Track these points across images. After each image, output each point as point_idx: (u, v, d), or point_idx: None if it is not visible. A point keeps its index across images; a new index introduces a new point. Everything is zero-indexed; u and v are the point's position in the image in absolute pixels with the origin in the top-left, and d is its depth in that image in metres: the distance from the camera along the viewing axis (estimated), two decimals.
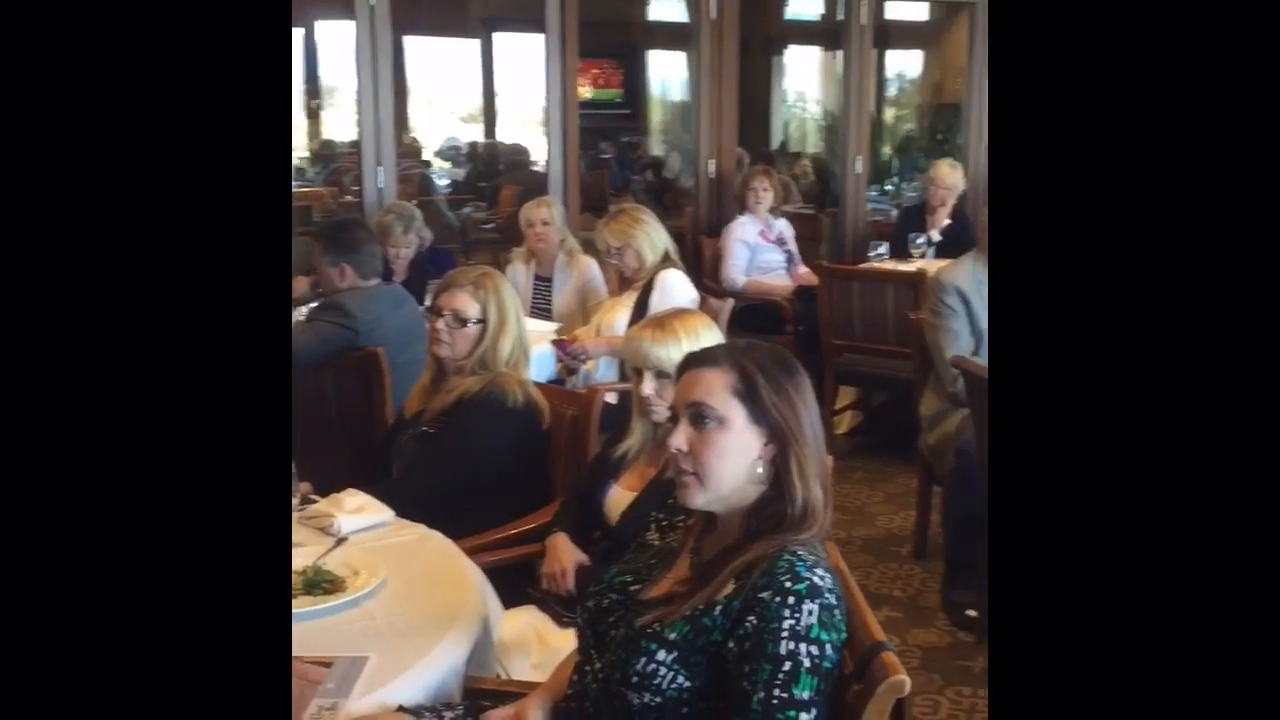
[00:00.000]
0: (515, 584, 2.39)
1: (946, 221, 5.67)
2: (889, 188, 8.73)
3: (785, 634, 1.39)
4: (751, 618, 1.42)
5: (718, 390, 1.53)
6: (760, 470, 1.53)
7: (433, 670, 1.72)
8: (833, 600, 1.44)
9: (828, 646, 1.41)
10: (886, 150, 10.44)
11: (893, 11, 6.44)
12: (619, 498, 2.38)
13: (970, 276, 3.63)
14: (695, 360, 1.59)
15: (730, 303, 4.48)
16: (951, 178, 5.70)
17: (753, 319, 5.18)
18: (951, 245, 5.48)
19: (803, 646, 1.39)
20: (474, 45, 11.50)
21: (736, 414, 1.52)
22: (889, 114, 11.20)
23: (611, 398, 3.39)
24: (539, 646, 2.23)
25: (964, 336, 3.57)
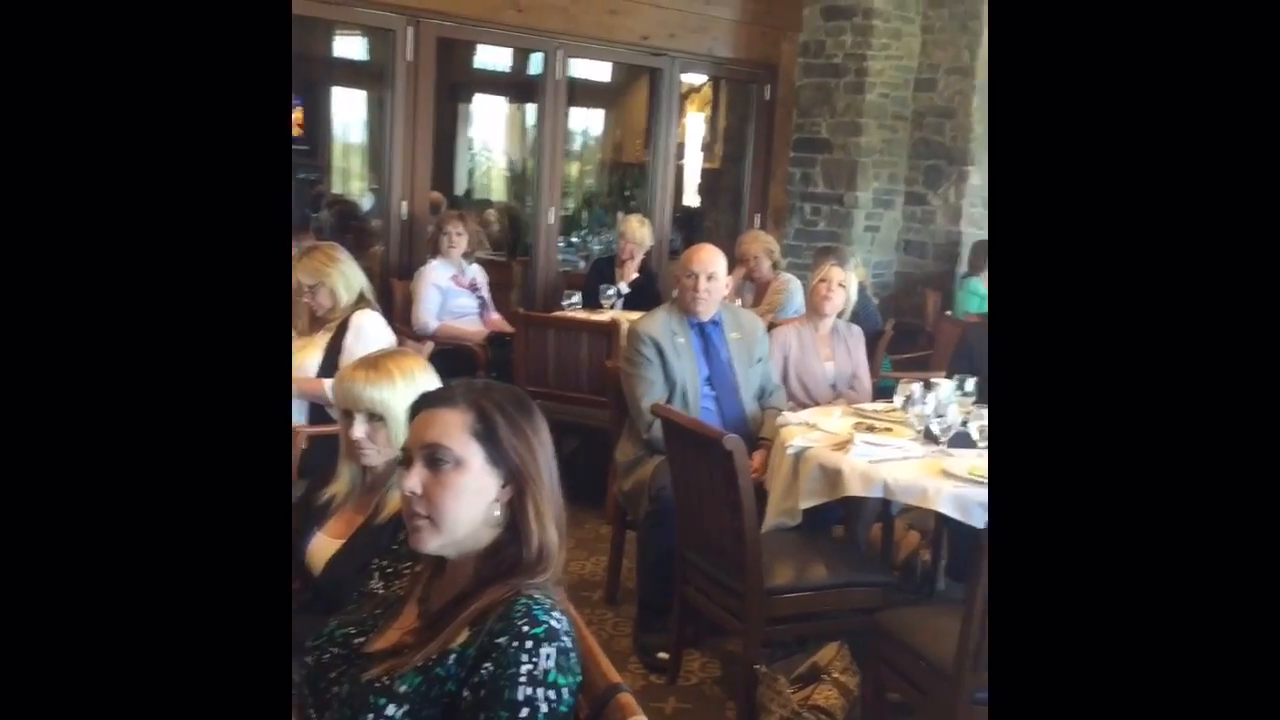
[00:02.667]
0: None
1: (635, 274, 5.87)
2: (575, 240, 8.93)
3: (523, 679, 1.37)
4: (488, 664, 1.39)
5: (455, 431, 1.50)
6: (497, 513, 1.51)
7: None
8: (569, 643, 1.43)
9: (564, 690, 1.40)
10: (572, 203, 10.69)
11: (576, 70, 6.63)
12: (323, 546, 2.26)
13: (664, 327, 3.78)
14: (431, 400, 1.55)
15: (429, 346, 4.41)
16: (640, 233, 5.92)
17: (445, 364, 5.10)
18: (639, 297, 5.69)
19: (540, 691, 1.37)
20: None
21: (474, 455, 1.49)
22: (574, 169, 11.48)
23: (302, 441, 3.24)
24: None
25: (659, 385, 3.70)
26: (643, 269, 5.96)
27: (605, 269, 5.98)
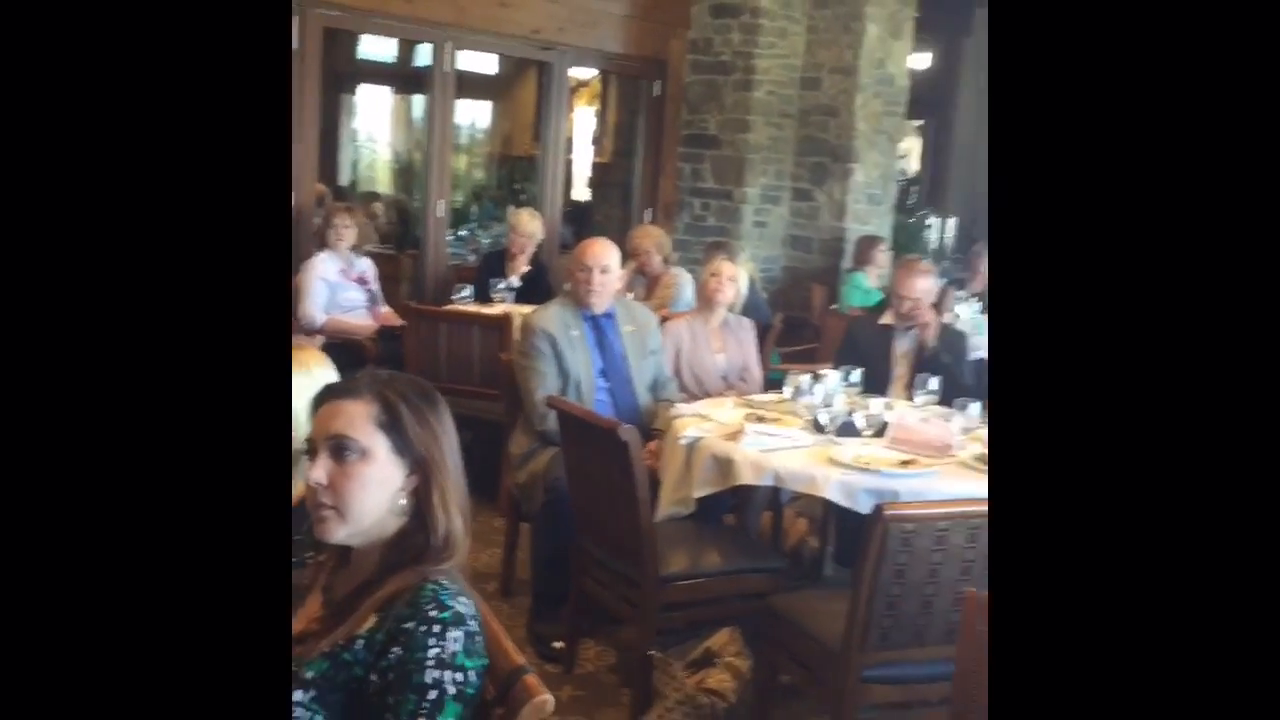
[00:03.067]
0: None
1: (526, 268, 5.88)
2: (464, 233, 8.88)
3: (431, 663, 1.40)
4: (396, 649, 1.41)
5: (360, 421, 1.51)
6: (403, 502, 1.53)
7: None
8: (475, 627, 1.46)
9: (471, 673, 1.43)
10: (460, 197, 10.63)
11: (463, 62, 6.60)
12: None
13: (558, 320, 3.81)
14: (336, 391, 1.56)
15: (318, 340, 4.36)
16: (531, 226, 5.94)
17: (333, 358, 5.03)
18: (531, 291, 5.70)
19: (448, 674, 1.40)
20: None
21: (380, 445, 1.51)
22: (461, 162, 11.41)
23: None
24: None
25: (552, 377, 3.73)
26: (533, 263, 5.97)
27: (496, 263, 5.97)
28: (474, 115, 11.59)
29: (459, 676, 1.41)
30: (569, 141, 8.22)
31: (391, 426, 1.52)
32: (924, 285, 4.11)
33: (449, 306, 5.42)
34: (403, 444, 1.52)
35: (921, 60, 9.69)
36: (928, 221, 10.15)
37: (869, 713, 2.66)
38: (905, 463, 3.14)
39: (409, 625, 1.42)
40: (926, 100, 9.92)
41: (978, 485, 3.00)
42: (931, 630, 2.59)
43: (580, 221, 8.82)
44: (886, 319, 4.27)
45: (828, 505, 3.94)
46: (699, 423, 3.50)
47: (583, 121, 9.99)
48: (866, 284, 6.68)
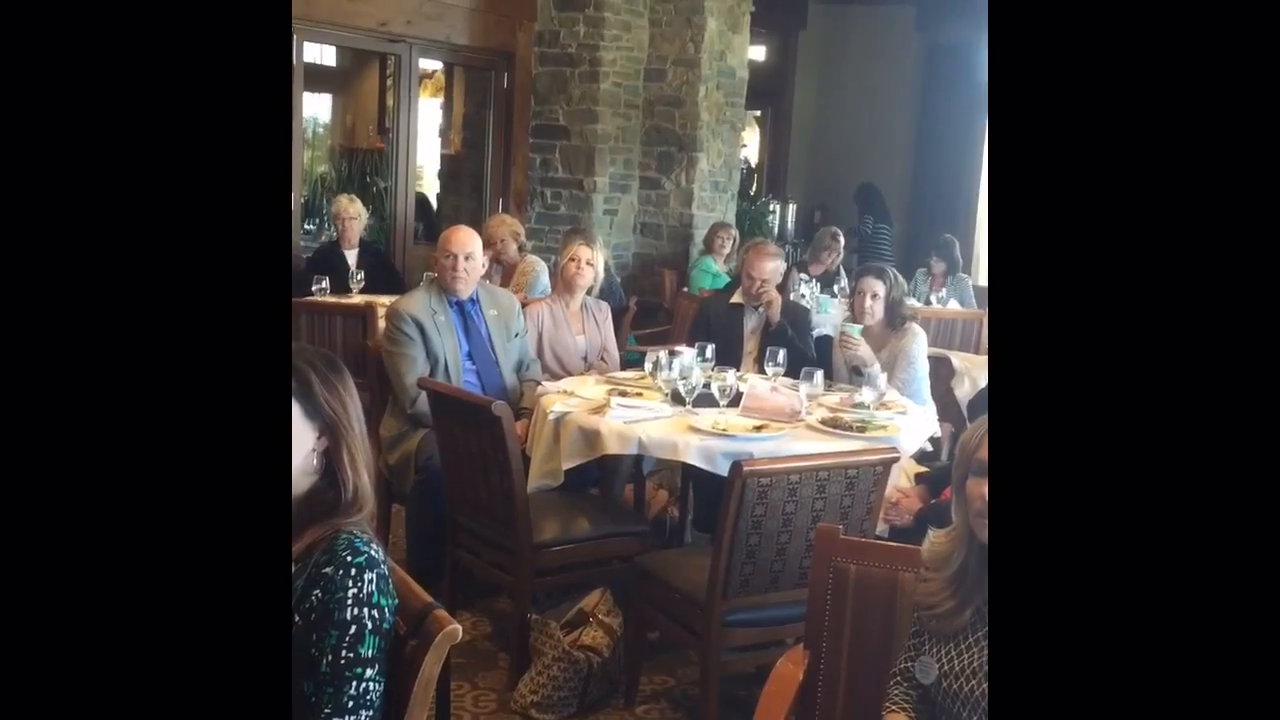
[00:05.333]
0: None
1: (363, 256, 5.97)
2: (310, 227, 8.82)
3: (350, 601, 1.55)
4: (317, 592, 1.56)
5: None
6: (314, 462, 1.67)
7: None
8: (386, 570, 1.62)
9: (386, 610, 1.58)
10: (306, 190, 10.51)
11: (306, 54, 6.58)
12: None
13: (424, 305, 3.94)
14: None
15: None
16: (354, 208, 6.02)
17: None
18: (375, 278, 5.80)
19: (366, 611, 1.55)
20: None
21: (293, 411, 1.64)
22: (305, 155, 11.26)
23: None
24: None
25: (420, 362, 3.86)
26: (372, 252, 6.09)
27: (330, 253, 6.04)
28: (315, 108, 11.45)
29: (375, 614, 1.56)
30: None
31: (302, 393, 1.65)
32: (771, 266, 4.39)
33: (309, 298, 5.45)
34: (313, 409, 1.66)
35: (758, 52, 10.06)
36: (770, 207, 10.55)
37: (730, 654, 2.91)
38: (758, 428, 3.40)
39: (328, 570, 1.56)
40: (764, 91, 10.30)
41: (824, 445, 3.28)
42: (786, 575, 2.84)
43: (432, 213, 8.87)
44: (736, 299, 4.54)
45: (686, 476, 4.20)
46: (565, 399, 3.69)
47: (427, 113, 10.01)
48: (715, 268, 6.98)
